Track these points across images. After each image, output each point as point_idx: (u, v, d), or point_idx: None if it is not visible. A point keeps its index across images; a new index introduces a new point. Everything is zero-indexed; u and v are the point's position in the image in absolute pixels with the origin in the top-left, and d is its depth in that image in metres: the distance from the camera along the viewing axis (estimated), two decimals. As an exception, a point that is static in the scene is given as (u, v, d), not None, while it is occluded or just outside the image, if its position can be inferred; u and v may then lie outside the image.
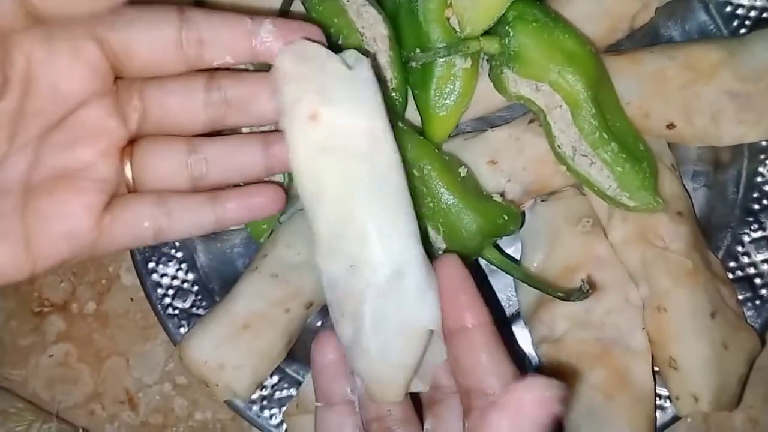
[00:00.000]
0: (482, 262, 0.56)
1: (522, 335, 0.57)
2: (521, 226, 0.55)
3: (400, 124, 0.51)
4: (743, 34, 0.55)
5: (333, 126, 0.37)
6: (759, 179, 0.55)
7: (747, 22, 0.56)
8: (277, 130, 0.39)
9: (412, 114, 0.56)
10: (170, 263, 0.59)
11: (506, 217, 0.50)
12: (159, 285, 0.59)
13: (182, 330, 0.58)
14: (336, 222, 0.37)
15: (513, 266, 0.51)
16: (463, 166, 0.52)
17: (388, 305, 0.36)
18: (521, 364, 0.56)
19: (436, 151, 0.51)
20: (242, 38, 0.38)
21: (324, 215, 0.37)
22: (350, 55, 0.39)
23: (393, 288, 0.36)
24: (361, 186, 0.37)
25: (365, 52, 0.51)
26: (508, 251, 0.59)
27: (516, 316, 0.58)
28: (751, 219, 0.55)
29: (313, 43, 0.38)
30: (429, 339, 0.38)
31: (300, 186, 0.38)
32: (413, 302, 0.37)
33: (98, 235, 0.37)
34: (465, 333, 0.36)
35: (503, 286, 0.59)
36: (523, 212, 0.56)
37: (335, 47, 0.53)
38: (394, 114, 0.54)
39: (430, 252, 0.42)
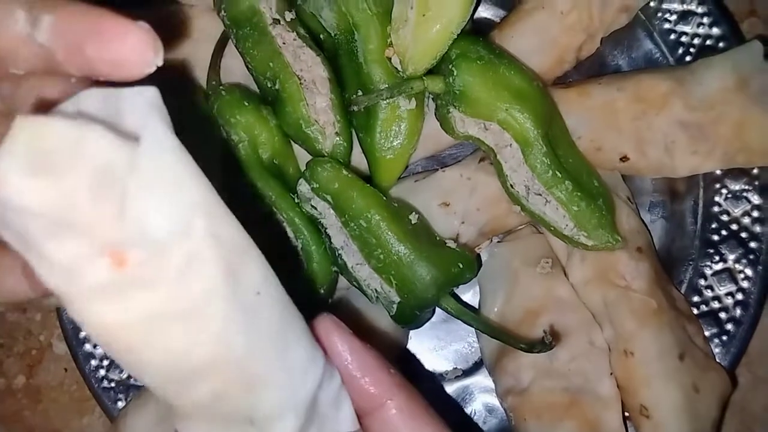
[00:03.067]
0: (438, 311, 0.53)
1: (486, 385, 0.54)
2: (478, 271, 0.52)
3: (344, 172, 0.48)
4: (689, 62, 0.55)
5: (155, 262, 0.22)
6: (716, 209, 0.54)
7: (692, 50, 0.55)
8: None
9: (357, 158, 0.53)
10: (104, 331, 0.54)
11: (461, 265, 0.47)
12: (92, 356, 0.54)
13: (120, 404, 0.53)
14: (210, 387, 0.25)
15: (472, 316, 0.49)
16: (413, 213, 0.49)
17: None
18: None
19: (384, 198, 0.48)
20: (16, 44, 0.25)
21: (189, 386, 0.25)
22: (102, 96, 0.23)
23: (311, 417, 0.29)
24: (231, 328, 0.25)
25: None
26: (467, 295, 0.56)
27: (479, 364, 0.55)
28: (711, 251, 0.53)
29: (44, 120, 0.21)
30: None
31: (130, 368, 0.25)
32: (331, 414, 0.30)
33: None
34: (377, 412, 0.31)
35: (464, 332, 0.56)
36: (479, 255, 0.54)
37: (267, 94, 0.51)
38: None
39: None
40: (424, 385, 0.55)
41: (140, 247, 0.21)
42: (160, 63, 0.24)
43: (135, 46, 0.24)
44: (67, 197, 0.21)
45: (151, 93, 0.23)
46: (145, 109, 0.22)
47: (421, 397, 0.33)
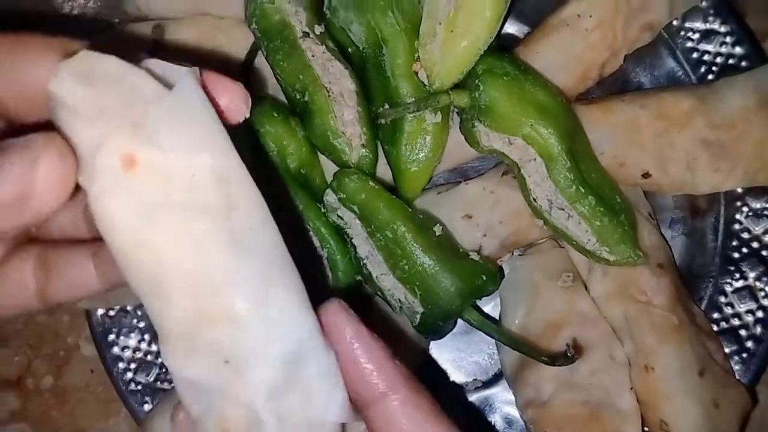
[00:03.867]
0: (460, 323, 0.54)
1: (505, 397, 0.55)
2: (500, 284, 0.53)
3: (371, 183, 0.49)
4: (711, 80, 0.55)
5: (161, 171, 0.26)
6: (737, 227, 0.54)
7: (714, 68, 0.56)
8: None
9: (383, 169, 0.54)
10: (132, 334, 0.55)
11: (485, 278, 0.48)
12: (120, 359, 0.55)
13: (146, 407, 0.54)
14: (191, 306, 0.26)
15: (494, 328, 0.49)
16: (437, 225, 0.50)
17: (290, 405, 0.27)
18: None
19: (410, 210, 0.49)
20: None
21: (172, 301, 0.26)
22: (158, 65, 0.28)
23: (291, 380, 0.27)
24: (218, 250, 0.26)
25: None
26: (488, 307, 0.57)
27: (499, 376, 0.56)
28: (732, 268, 0.54)
29: (103, 54, 0.27)
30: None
31: (126, 268, 0.27)
32: (319, 393, 0.28)
33: None
34: (379, 403, 0.30)
35: (484, 344, 0.56)
36: (501, 267, 0.54)
37: (296, 106, 0.52)
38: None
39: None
40: (445, 394, 0.56)
41: (149, 157, 0.26)
42: (248, 115, 0.30)
43: (237, 100, 0.30)
44: (99, 100, 0.26)
45: (193, 69, 0.28)
46: (184, 73, 0.27)
47: (427, 391, 0.31)
